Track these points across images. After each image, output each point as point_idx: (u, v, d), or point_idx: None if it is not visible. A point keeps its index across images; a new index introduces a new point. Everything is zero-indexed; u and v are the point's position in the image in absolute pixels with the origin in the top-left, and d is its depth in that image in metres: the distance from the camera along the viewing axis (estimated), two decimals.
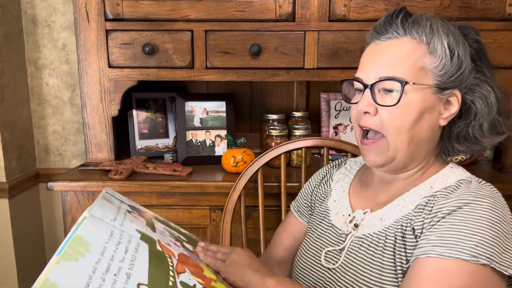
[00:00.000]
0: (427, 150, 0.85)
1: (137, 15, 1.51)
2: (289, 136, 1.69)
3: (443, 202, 0.77)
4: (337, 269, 0.88)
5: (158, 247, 0.72)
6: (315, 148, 1.77)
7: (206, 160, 1.71)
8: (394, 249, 0.80)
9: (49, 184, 1.45)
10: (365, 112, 0.83)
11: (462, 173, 0.85)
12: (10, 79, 1.76)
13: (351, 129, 1.83)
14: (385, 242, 0.82)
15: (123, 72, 1.56)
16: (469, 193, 0.76)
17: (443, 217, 0.75)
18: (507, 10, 1.48)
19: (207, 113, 1.74)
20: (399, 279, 0.78)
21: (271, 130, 1.66)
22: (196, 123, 1.73)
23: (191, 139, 1.73)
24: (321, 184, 1.06)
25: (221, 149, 1.74)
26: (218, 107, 1.75)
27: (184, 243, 0.86)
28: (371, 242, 0.85)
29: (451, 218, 0.74)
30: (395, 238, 0.81)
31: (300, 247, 1.00)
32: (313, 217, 1.03)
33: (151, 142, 1.81)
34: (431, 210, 0.78)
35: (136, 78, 1.56)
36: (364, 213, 0.90)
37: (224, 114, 1.76)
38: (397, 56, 0.81)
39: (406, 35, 0.82)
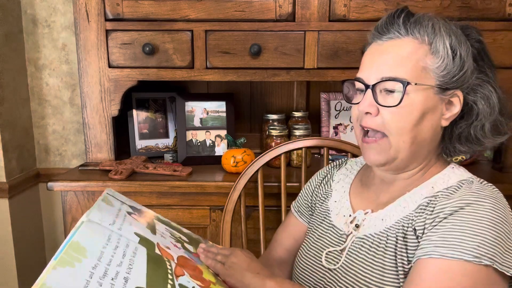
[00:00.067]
0: (429, 150, 0.85)
1: (137, 15, 1.51)
2: (289, 136, 1.69)
3: (445, 202, 0.77)
4: (338, 269, 0.88)
5: (157, 251, 0.73)
6: (315, 148, 1.77)
7: (206, 160, 1.71)
8: (396, 249, 0.80)
9: (49, 184, 1.45)
10: (367, 113, 0.83)
11: (463, 174, 0.85)
12: (10, 79, 1.76)
13: (351, 129, 1.84)
14: (386, 242, 0.82)
15: (123, 72, 1.56)
16: (471, 194, 0.76)
17: (445, 218, 0.75)
18: (507, 10, 1.48)
19: (207, 113, 1.74)
20: (401, 280, 0.78)
21: (271, 130, 1.66)
22: (196, 123, 1.73)
23: (191, 139, 1.72)
24: (322, 184, 1.06)
25: (221, 149, 1.74)
26: (218, 107, 1.75)
27: (185, 244, 0.86)
28: (372, 243, 0.84)
29: (453, 219, 0.74)
30: (397, 239, 0.81)
31: (301, 248, 1.00)
32: (313, 217, 1.03)
33: (151, 142, 1.81)
34: (432, 211, 0.78)
35: (136, 78, 1.56)
36: (365, 214, 0.90)
37: (224, 114, 1.76)
38: (398, 56, 0.81)
39: (408, 35, 0.81)
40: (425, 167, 0.87)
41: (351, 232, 0.89)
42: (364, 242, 0.86)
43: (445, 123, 0.83)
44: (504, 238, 0.71)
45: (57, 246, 2.00)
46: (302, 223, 1.06)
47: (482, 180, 0.83)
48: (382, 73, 0.81)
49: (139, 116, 1.78)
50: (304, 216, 1.07)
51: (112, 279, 0.60)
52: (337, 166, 1.08)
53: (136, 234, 0.74)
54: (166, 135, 1.84)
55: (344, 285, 0.85)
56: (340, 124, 1.85)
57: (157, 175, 1.51)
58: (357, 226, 0.89)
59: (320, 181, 1.07)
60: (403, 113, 0.80)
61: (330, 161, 1.14)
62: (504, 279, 0.72)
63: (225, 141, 1.73)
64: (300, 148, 1.38)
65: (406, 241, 0.80)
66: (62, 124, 1.93)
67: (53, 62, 1.88)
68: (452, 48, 0.80)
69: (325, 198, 1.02)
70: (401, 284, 0.78)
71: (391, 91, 0.80)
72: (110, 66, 1.55)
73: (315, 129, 1.84)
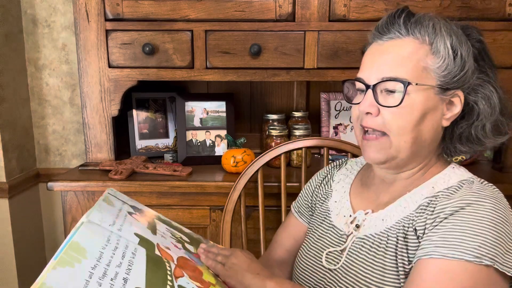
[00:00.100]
0: (429, 150, 0.85)
1: (137, 15, 1.51)
2: (289, 136, 1.69)
3: (446, 202, 0.77)
4: (338, 270, 0.88)
5: (157, 251, 0.74)
6: (315, 148, 1.77)
7: (206, 160, 1.71)
8: (396, 250, 0.80)
9: (49, 184, 1.45)
10: (367, 113, 0.83)
11: (464, 174, 0.85)
12: (10, 79, 1.76)
13: (351, 129, 1.83)
14: (387, 243, 0.82)
15: (123, 72, 1.55)
16: (472, 194, 0.76)
17: (445, 218, 0.75)
18: (507, 10, 1.48)
19: (207, 113, 1.74)
20: (401, 280, 0.78)
21: (271, 130, 1.66)
22: (196, 123, 1.73)
23: (191, 139, 1.72)
24: (322, 184, 1.06)
25: (221, 149, 1.74)
26: (218, 107, 1.75)
27: (186, 244, 0.86)
28: (372, 243, 0.84)
29: (453, 219, 0.74)
30: (397, 239, 0.81)
31: (301, 248, 1.00)
32: (313, 218, 1.03)
33: (151, 142, 1.81)
34: (433, 211, 0.78)
35: (136, 78, 1.56)
36: (366, 214, 0.89)
37: (224, 114, 1.76)
38: (399, 57, 0.80)
39: (408, 35, 0.81)
40: (425, 167, 0.87)
41: (352, 232, 0.89)
42: (364, 243, 0.86)
43: (446, 123, 0.83)
44: (505, 238, 0.71)
45: (57, 246, 2.00)
46: (302, 224, 1.06)
47: (482, 180, 0.83)
48: (383, 73, 0.81)
49: (139, 116, 1.78)
50: (304, 217, 1.06)
51: (112, 280, 0.61)
52: (337, 166, 1.08)
53: (136, 234, 0.74)
54: (166, 135, 1.84)
55: (345, 286, 0.85)
56: (340, 124, 1.85)
57: (157, 175, 1.51)
58: (357, 226, 0.89)
59: (320, 181, 1.07)
60: (403, 113, 0.80)
61: (330, 161, 1.14)
62: (505, 279, 0.72)
63: (225, 141, 1.73)
64: (300, 148, 1.38)
65: (407, 241, 0.79)
66: (62, 124, 1.93)
67: (53, 62, 1.87)
68: (453, 48, 0.80)
69: (325, 198, 1.02)
70: (401, 284, 0.78)
71: (392, 91, 0.80)
72: (110, 66, 1.55)
73: (315, 129, 1.84)
